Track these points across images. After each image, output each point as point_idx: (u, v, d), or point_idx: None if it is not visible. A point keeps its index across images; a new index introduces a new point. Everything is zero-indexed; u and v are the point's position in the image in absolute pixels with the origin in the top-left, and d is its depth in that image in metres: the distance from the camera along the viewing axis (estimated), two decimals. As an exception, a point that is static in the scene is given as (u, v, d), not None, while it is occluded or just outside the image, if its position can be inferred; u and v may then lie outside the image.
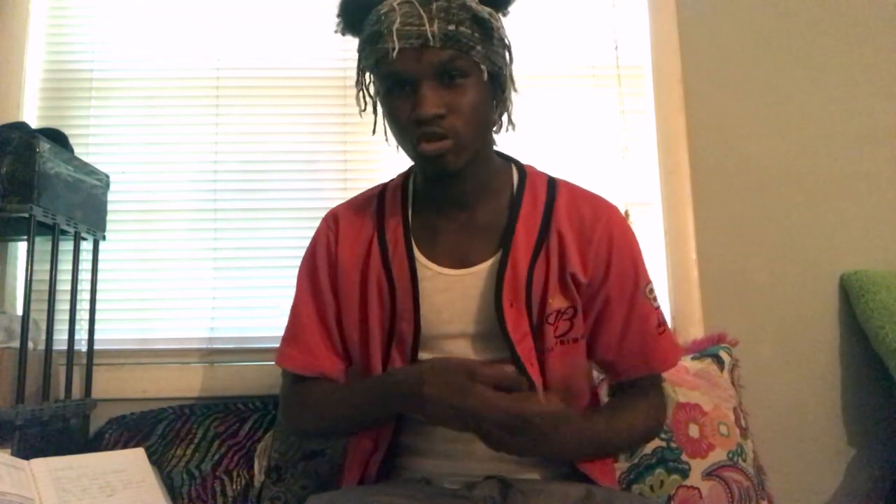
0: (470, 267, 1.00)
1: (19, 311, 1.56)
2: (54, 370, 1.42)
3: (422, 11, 0.88)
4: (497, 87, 0.97)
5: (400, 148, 0.99)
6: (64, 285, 1.53)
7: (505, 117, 1.02)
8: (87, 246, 1.60)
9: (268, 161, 1.73)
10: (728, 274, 1.70)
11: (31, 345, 1.37)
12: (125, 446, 1.44)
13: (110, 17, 1.77)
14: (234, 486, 1.42)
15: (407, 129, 0.93)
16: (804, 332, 1.68)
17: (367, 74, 0.98)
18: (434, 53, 0.89)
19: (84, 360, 1.55)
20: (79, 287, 1.54)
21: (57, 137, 1.49)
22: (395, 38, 0.88)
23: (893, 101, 1.77)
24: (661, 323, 1.05)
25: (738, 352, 1.52)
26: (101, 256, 1.60)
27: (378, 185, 1.13)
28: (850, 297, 1.65)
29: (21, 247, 1.64)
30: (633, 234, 1.06)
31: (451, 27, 0.88)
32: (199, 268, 1.69)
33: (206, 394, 1.60)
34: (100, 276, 1.59)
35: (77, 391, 1.54)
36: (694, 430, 1.34)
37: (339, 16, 0.97)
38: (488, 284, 0.98)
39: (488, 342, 0.98)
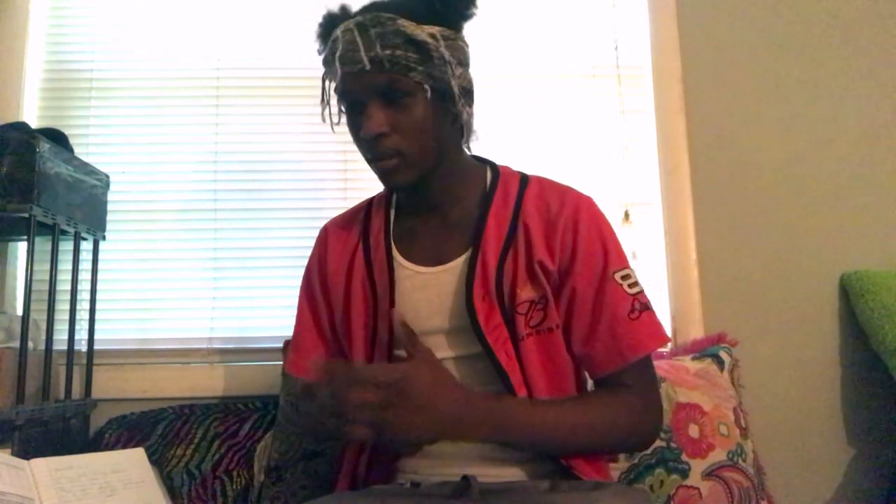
0: (444, 264, 1.03)
1: (19, 311, 1.56)
2: (54, 370, 1.42)
3: (359, 39, 0.94)
4: (448, 102, 0.99)
5: None
6: (64, 285, 1.53)
7: (467, 127, 1.04)
8: (87, 246, 1.60)
9: (268, 161, 1.73)
10: (728, 274, 1.70)
11: (31, 345, 1.37)
12: (125, 446, 1.44)
13: (110, 17, 1.77)
14: (234, 486, 1.42)
15: (360, 145, 1.01)
16: (804, 332, 1.68)
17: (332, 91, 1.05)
18: (373, 77, 0.94)
19: (84, 360, 1.55)
20: (79, 287, 1.54)
21: (57, 137, 1.49)
22: (337, 64, 0.96)
23: (893, 101, 1.77)
24: (636, 308, 0.99)
25: (738, 352, 1.52)
26: (101, 256, 1.60)
27: (369, 198, 1.18)
28: (850, 297, 1.65)
29: (21, 247, 1.65)
30: (603, 220, 1.04)
31: (388, 52, 0.93)
32: (199, 268, 1.70)
33: (206, 394, 1.61)
34: (100, 276, 1.59)
35: (77, 391, 1.54)
36: (694, 430, 1.34)
37: (317, 37, 1.07)
38: (461, 280, 1.00)
39: (463, 336, 0.99)
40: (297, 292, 1.64)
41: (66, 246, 1.53)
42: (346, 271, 1.09)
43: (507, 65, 1.78)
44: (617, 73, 1.79)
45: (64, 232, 1.47)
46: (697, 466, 1.32)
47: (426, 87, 0.95)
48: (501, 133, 1.75)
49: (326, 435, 1.10)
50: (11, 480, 1.06)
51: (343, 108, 1.03)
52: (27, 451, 1.27)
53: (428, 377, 0.85)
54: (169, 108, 1.75)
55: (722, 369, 1.45)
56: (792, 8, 1.80)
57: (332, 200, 1.72)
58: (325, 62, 1.02)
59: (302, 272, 1.66)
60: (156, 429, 1.48)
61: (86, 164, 1.54)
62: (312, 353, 1.13)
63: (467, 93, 1.01)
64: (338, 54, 0.95)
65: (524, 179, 1.08)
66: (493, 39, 1.78)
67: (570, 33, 1.81)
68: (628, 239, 1.72)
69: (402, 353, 0.98)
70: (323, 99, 1.06)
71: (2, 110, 1.66)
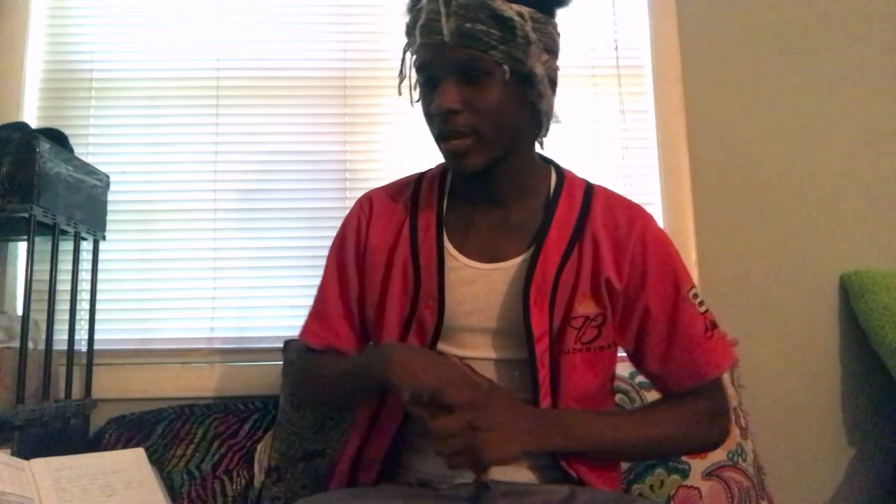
0: (499, 262, 0.99)
1: (19, 311, 1.56)
2: (54, 370, 1.42)
3: (443, 9, 0.90)
4: (528, 88, 0.95)
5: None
6: (64, 285, 1.53)
7: (546, 118, 1.00)
8: (87, 246, 1.60)
9: (268, 161, 1.73)
10: (728, 274, 1.70)
11: (31, 345, 1.37)
12: (125, 446, 1.44)
13: (110, 17, 1.77)
14: (234, 486, 1.42)
15: (431, 122, 0.97)
16: (804, 332, 1.68)
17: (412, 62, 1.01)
18: (452, 51, 0.90)
19: (84, 360, 1.55)
20: (79, 287, 1.54)
21: (57, 137, 1.49)
22: (417, 34, 0.92)
23: (893, 101, 1.77)
24: (710, 328, 0.99)
25: (738, 352, 1.52)
26: (101, 256, 1.60)
27: (415, 174, 1.13)
28: (850, 297, 1.65)
29: (21, 247, 1.64)
30: (669, 240, 1.03)
31: (468, 25, 0.88)
32: (199, 268, 1.69)
33: (206, 394, 1.61)
34: (100, 276, 1.59)
35: (77, 391, 1.54)
36: (694, 430, 1.34)
37: (405, 11, 1.00)
38: (515, 281, 0.98)
39: (507, 339, 0.97)
40: (297, 292, 1.67)
41: (66, 246, 1.53)
42: (389, 251, 1.04)
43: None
44: (617, 73, 1.79)
45: (64, 232, 1.47)
46: (697, 466, 1.32)
47: (506, 67, 0.91)
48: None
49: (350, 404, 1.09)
50: (11, 480, 1.06)
51: (420, 84, 0.99)
52: (27, 451, 1.27)
53: (502, 395, 0.89)
54: (169, 108, 1.75)
55: (722, 369, 1.45)
56: (792, 8, 1.80)
57: (332, 200, 1.72)
58: (407, 32, 0.97)
59: (301, 272, 1.68)
60: (156, 429, 1.48)
61: (86, 164, 1.54)
62: (337, 326, 1.07)
63: (551, 82, 0.98)
64: (419, 23, 0.92)
65: (589, 188, 1.06)
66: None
67: (569, 33, 1.80)
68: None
69: (456, 351, 1.00)
70: (402, 72, 1.01)
71: (2, 110, 1.66)
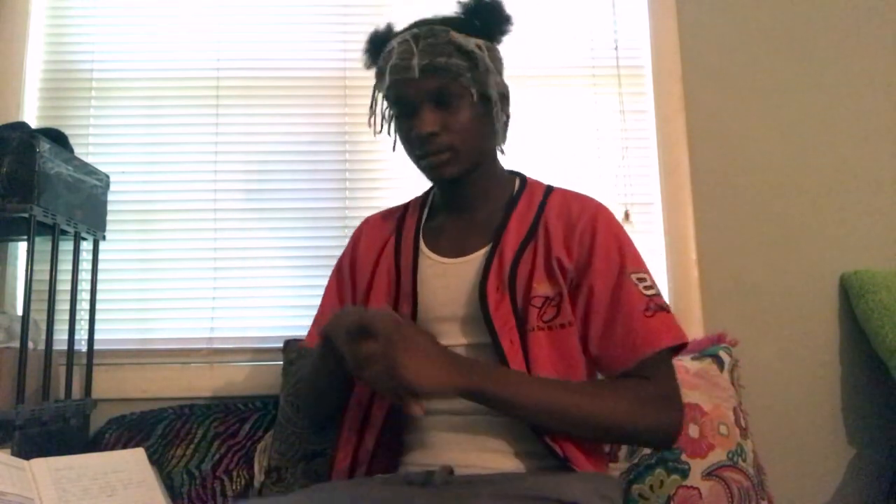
0: (465, 256, 1.10)
1: (19, 311, 1.56)
2: (54, 370, 1.42)
3: (414, 48, 1.04)
4: (490, 107, 1.09)
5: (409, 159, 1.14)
6: (64, 285, 1.53)
7: (503, 130, 1.14)
8: (87, 246, 1.60)
9: (268, 161, 1.73)
10: (728, 274, 1.70)
11: (31, 345, 1.37)
12: (125, 446, 1.44)
13: (110, 17, 1.77)
14: (234, 486, 1.42)
15: (412, 145, 1.09)
16: (804, 332, 1.68)
17: (382, 99, 1.15)
18: (426, 82, 1.04)
19: (84, 360, 1.55)
20: (79, 287, 1.54)
21: (57, 137, 1.49)
22: (389, 73, 1.05)
23: (893, 101, 1.77)
24: (651, 308, 1.00)
25: (738, 352, 1.52)
26: (101, 256, 1.60)
27: (408, 201, 1.27)
28: (850, 297, 1.65)
29: (21, 247, 1.65)
30: (621, 228, 1.10)
31: (441, 59, 1.03)
32: (199, 268, 1.69)
33: (206, 394, 1.61)
34: (100, 276, 1.59)
35: (77, 391, 1.54)
36: (694, 430, 1.34)
37: (364, 52, 1.15)
38: (479, 271, 1.07)
39: (475, 325, 1.05)
40: (297, 292, 1.67)
41: (66, 246, 1.53)
42: (375, 258, 1.17)
43: (507, 65, 1.78)
44: (617, 73, 1.79)
45: (64, 232, 1.47)
46: (697, 466, 1.32)
47: (472, 91, 1.05)
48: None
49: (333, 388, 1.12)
50: (11, 480, 1.06)
51: (393, 114, 1.11)
52: (27, 451, 1.27)
53: (426, 333, 0.98)
54: (169, 108, 1.75)
55: (722, 369, 1.45)
56: (792, 8, 1.80)
57: (332, 200, 1.72)
58: (379, 72, 1.10)
59: (302, 272, 1.69)
60: (156, 429, 1.48)
61: (86, 164, 1.54)
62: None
63: (504, 98, 1.12)
64: (392, 63, 1.04)
65: (549, 189, 1.16)
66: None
67: (569, 33, 1.81)
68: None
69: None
70: (372, 107, 1.16)
71: (2, 110, 1.66)
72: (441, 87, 1.04)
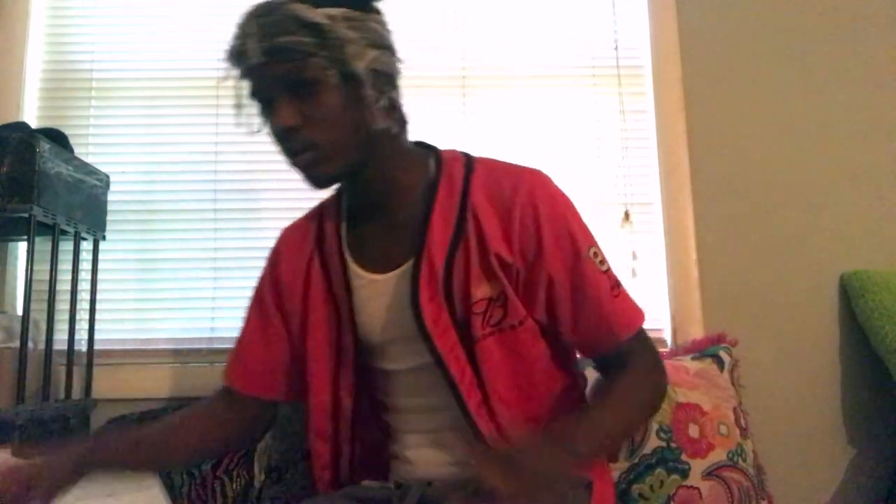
0: (395, 270, 0.97)
1: (19, 311, 1.56)
2: (54, 370, 1.42)
3: (251, 30, 0.89)
4: (361, 87, 0.91)
5: None
6: (64, 285, 1.53)
7: (396, 113, 0.96)
8: (87, 246, 1.60)
9: (268, 161, 1.73)
10: (728, 274, 1.70)
11: (31, 345, 1.37)
12: (125, 446, 1.44)
13: (110, 17, 1.77)
14: (234, 486, 1.42)
15: (278, 142, 0.94)
16: (804, 332, 1.68)
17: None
18: (274, 68, 0.88)
19: (84, 360, 1.55)
20: (79, 287, 1.54)
21: (57, 137, 1.49)
22: (233, 60, 0.91)
23: (893, 101, 1.77)
24: (614, 286, 0.96)
25: (738, 352, 1.52)
26: (101, 256, 1.60)
27: (321, 202, 1.12)
28: (850, 297, 1.65)
29: (21, 247, 1.65)
30: (562, 197, 0.97)
31: (282, 38, 0.87)
32: (199, 268, 1.69)
33: (206, 394, 1.59)
34: (100, 276, 1.59)
35: (77, 391, 1.54)
36: (694, 430, 1.35)
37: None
38: (410, 284, 0.95)
39: (418, 345, 0.94)
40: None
41: (66, 246, 1.53)
42: (304, 280, 1.04)
43: (508, 65, 1.78)
44: (617, 73, 1.79)
45: (64, 232, 1.47)
46: (697, 466, 1.32)
47: (331, 72, 0.88)
48: (502, 133, 1.75)
49: None
50: (11, 480, 1.05)
51: (260, 108, 0.96)
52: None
53: (528, 436, 0.89)
54: (169, 108, 1.75)
55: (722, 369, 1.45)
56: (792, 8, 1.80)
57: (332, 200, 1.72)
58: (228, 62, 0.94)
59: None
60: (156, 429, 1.48)
61: (86, 164, 1.54)
62: (255, 366, 1.07)
63: (385, 76, 0.93)
64: (231, 50, 0.91)
65: (469, 164, 0.99)
66: (492, 39, 1.79)
67: (569, 33, 1.81)
68: (628, 239, 1.72)
69: (387, 365, 0.99)
70: (236, 103, 0.98)
71: (2, 110, 1.66)
72: (291, 72, 0.88)
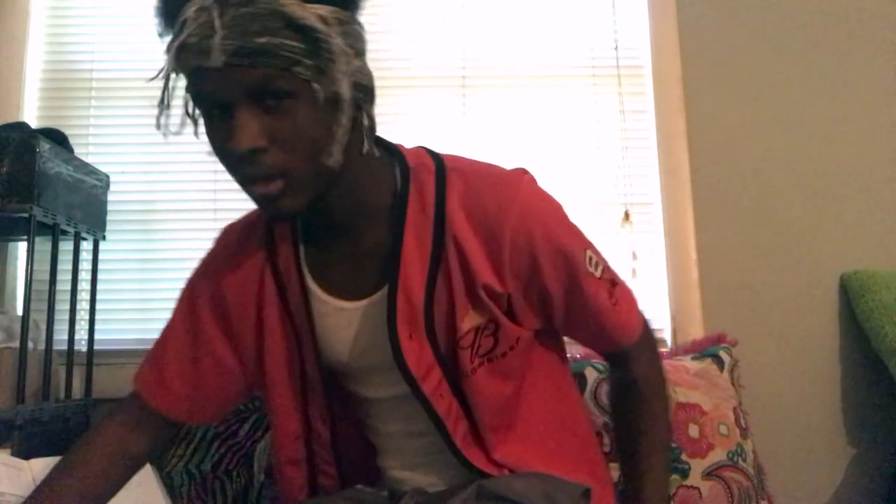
0: (365, 298, 0.87)
1: (19, 311, 1.56)
2: (54, 370, 1.42)
3: (218, 21, 0.69)
4: (343, 104, 0.76)
5: None
6: (64, 285, 1.53)
7: (369, 133, 0.81)
8: (87, 246, 1.60)
9: (268, 161, 1.73)
10: (728, 274, 1.70)
11: (31, 345, 1.37)
12: (125, 446, 1.44)
13: (110, 17, 1.77)
14: (234, 486, 1.42)
15: (229, 164, 0.79)
16: (804, 332, 1.68)
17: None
18: (242, 72, 0.70)
19: (84, 360, 1.55)
20: (79, 287, 1.54)
21: (57, 137, 1.49)
22: (184, 56, 0.73)
23: (893, 101, 1.77)
24: (612, 293, 0.90)
25: (738, 352, 1.52)
26: (101, 256, 1.60)
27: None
28: (850, 297, 1.65)
29: (21, 247, 1.65)
30: (550, 207, 0.87)
31: (261, 40, 0.69)
32: (199, 268, 1.69)
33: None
34: (100, 276, 1.59)
35: (77, 391, 1.54)
36: (694, 430, 1.35)
37: (155, 13, 0.82)
38: (385, 315, 0.84)
39: (397, 374, 0.85)
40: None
41: (66, 246, 1.53)
42: (256, 301, 0.91)
43: (508, 65, 1.78)
44: (617, 73, 1.79)
45: (64, 232, 1.48)
46: (697, 466, 1.32)
47: (315, 85, 0.72)
48: (502, 133, 1.75)
49: None
50: (11, 480, 1.06)
51: (203, 114, 0.79)
52: (27, 451, 1.27)
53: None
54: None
55: (722, 369, 1.45)
56: (792, 8, 1.80)
57: (332, 200, 1.72)
58: (170, 51, 0.76)
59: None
60: (156, 429, 1.48)
61: (86, 164, 1.54)
62: (176, 381, 0.93)
63: (366, 90, 0.79)
64: (182, 41, 0.72)
65: (440, 173, 0.86)
66: (492, 39, 1.79)
67: (569, 33, 1.81)
68: (628, 239, 1.72)
69: (364, 392, 0.92)
70: (163, 100, 0.82)
71: (2, 110, 1.66)
72: (265, 81, 0.71)
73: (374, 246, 0.86)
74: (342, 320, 0.88)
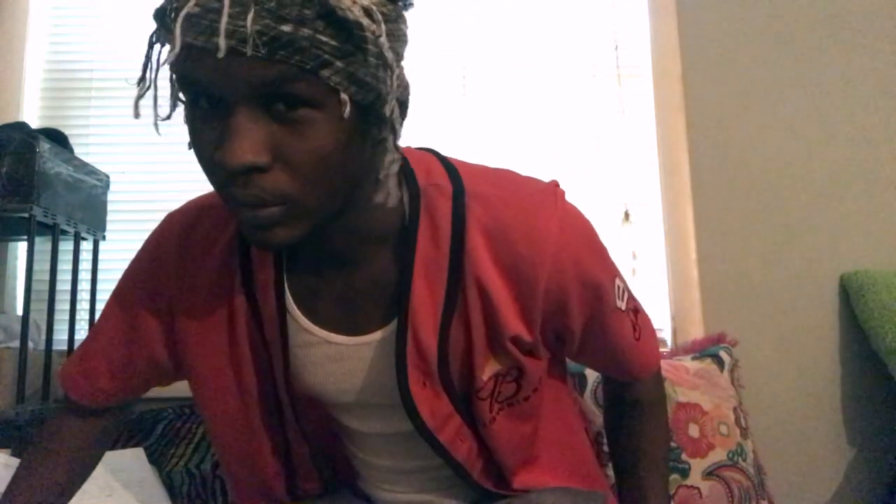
0: (363, 335, 0.76)
1: (19, 311, 1.56)
2: (54, 370, 1.42)
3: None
4: (375, 119, 0.62)
5: None
6: (64, 285, 1.53)
7: (391, 153, 0.66)
8: (87, 246, 1.60)
9: (268, 161, 1.73)
10: (728, 274, 1.70)
11: (31, 345, 1.37)
12: (125, 446, 1.44)
13: (110, 17, 1.77)
14: (234, 486, 1.42)
15: (213, 174, 0.61)
16: (804, 332, 1.68)
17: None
18: (252, 65, 0.55)
19: (84, 360, 1.55)
20: (79, 287, 1.54)
21: (57, 137, 1.49)
22: (184, 32, 0.57)
23: (893, 101, 1.77)
24: (636, 325, 0.86)
25: (738, 352, 1.52)
26: (101, 256, 1.60)
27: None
28: (850, 297, 1.65)
29: (21, 247, 1.65)
30: (585, 234, 0.77)
31: (287, 27, 0.54)
32: (199, 268, 1.69)
33: (206, 394, 1.60)
34: (100, 276, 1.59)
35: (77, 391, 1.54)
36: (694, 430, 1.35)
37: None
38: (389, 358, 0.75)
39: (398, 411, 0.77)
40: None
41: (66, 246, 1.53)
42: (228, 322, 0.80)
43: (507, 65, 1.78)
44: (617, 73, 1.79)
45: (64, 232, 1.48)
46: (697, 466, 1.32)
47: (344, 95, 0.57)
48: (502, 133, 1.75)
49: None
50: (11, 480, 1.05)
51: (188, 102, 0.63)
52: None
53: None
54: (169, 108, 1.74)
55: (722, 369, 1.45)
56: (792, 8, 1.80)
57: (332, 200, 1.72)
58: (158, 17, 0.63)
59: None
60: (155, 428, 1.48)
61: (86, 164, 1.54)
62: (103, 380, 0.89)
63: (403, 106, 0.65)
64: (187, 12, 0.56)
65: (458, 198, 0.73)
66: (492, 39, 1.79)
67: (569, 33, 1.81)
68: (628, 239, 1.72)
69: (349, 423, 0.84)
70: (145, 77, 0.67)
71: (2, 110, 1.66)
72: (281, 80, 0.55)
73: (375, 278, 0.74)
74: (330, 353, 0.77)
